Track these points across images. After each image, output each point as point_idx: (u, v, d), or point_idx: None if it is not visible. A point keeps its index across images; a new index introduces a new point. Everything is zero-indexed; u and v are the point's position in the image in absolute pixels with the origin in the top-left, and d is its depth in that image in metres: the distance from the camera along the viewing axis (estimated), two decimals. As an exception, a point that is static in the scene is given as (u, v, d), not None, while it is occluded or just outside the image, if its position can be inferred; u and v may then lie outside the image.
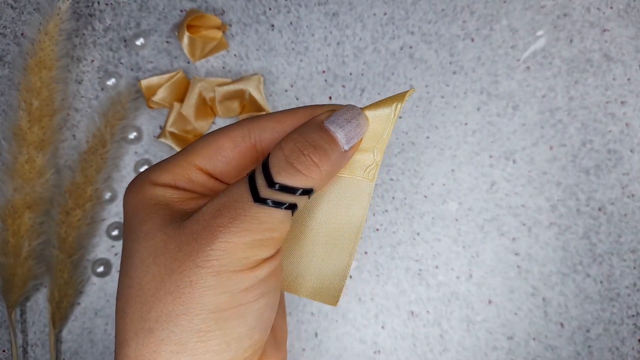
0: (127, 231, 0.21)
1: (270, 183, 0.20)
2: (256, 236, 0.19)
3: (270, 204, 0.20)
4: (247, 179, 0.20)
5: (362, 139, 0.22)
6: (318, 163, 0.20)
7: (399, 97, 0.22)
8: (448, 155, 0.40)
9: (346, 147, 0.21)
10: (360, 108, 0.22)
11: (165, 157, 0.40)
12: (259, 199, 0.20)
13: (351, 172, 0.23)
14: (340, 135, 0.21)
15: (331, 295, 0.24)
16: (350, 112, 0.22)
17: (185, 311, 0.19)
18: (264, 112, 0.39)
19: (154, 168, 0.22)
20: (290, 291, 0.25)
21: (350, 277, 0.39)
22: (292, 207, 0.20)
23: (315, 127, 0.21)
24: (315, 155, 0.20)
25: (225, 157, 0.22)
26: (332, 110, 0.22)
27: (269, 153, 0.21)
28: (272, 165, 0.20)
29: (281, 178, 0.20)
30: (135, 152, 0.40)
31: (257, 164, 0.21)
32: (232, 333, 0.20)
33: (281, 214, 0.20)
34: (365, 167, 0.23)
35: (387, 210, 0.40)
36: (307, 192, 0.20)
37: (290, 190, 0.20)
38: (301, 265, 0.24)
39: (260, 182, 0.20)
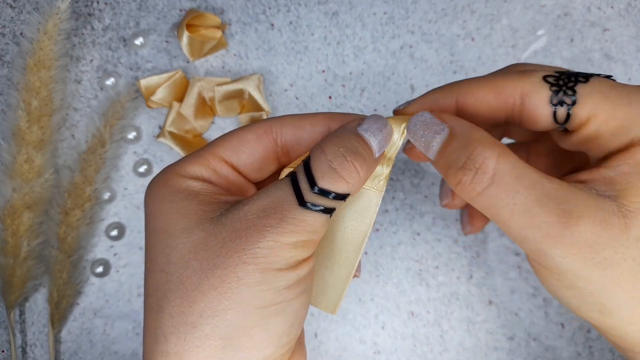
0: (156, 228, 0.22)
1: (313, 187, 0.20)
2: (300, 237, 0.20)
3: (314, 208, 0.20)
4: (289, 181, 0.21)
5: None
6: (359, 170, 0.21)
7: (406, 118, 0.23)
8: (448, 155, 0.40)
9: (377, 155, 0.22)
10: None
11: (165, 157, 0.40)
12: (303, 204, 0.20)
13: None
14: (374, 143, 0.22)
15: (331, 303, 0.25)
16: (380, 122, 0.22)
17: (232, 306, 0.19)
18: (263, 112, 0.39)
19: (178, 161, 0.23)
20: None
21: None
22: (331, 210, 0.21)
23: (352, 133, 0.22)
24: (357, 162, 0.21)
25: (249, 148, 0.23)
26: (362, 118, 0.23)
27: (309, 154, 0.21)
28: (316, 169, 0.21)
29: (324, 183, 0.20)
30: (135, 152, 0.40)
31: (298, 166, 0.21)
32: (275, 329, 0.20)
33: (323, 217, 0.21)
34: (374, 177, 0.24)
35: (387, 210, 0.40)
36: (345, 197, 0.21)
37: (331, 194, 0.21)
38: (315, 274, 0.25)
39: (304, 186, 0.21)
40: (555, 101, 0.21)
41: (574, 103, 0.20)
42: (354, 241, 0.24)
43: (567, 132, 0.22)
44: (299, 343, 0.24)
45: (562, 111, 0.21)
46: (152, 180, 0.23)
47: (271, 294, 0.20)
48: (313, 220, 0.20)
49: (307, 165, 0.21)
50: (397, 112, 0.24)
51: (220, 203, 0.21)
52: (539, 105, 0.21)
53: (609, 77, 0.21)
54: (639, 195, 0.19)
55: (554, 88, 0.21)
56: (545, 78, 0.21)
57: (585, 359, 0.38)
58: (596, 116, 0.20)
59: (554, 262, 0.20)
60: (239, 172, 0.23)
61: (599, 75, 0.21)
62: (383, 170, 0.23)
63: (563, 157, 0.27)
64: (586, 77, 0.21)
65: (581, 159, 0.25)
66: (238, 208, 0.21)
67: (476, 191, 0.20)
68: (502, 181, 0.20)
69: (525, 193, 0.19)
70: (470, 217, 0.32)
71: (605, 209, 0.19)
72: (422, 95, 0.24)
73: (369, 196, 0.24)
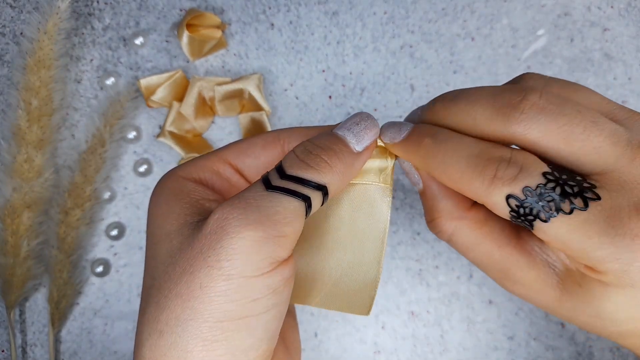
0: (149, 231, 0.21)
1: (282, 176, 0.20)
2: (268, 230, 0.18)
3: (282, 191, 0.19)
4: (261, 178, 0.21)
5: (375, 141, 0.23)
6: (328, 160, 0.21)
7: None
8: (448, 155, 0.39)
9: (358, 148, 0.22)
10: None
11: (165, 157, 0.40)
12: (270, 187, 0.19)
13: (368, 179, 0.24)
14: (349, 136, 0.22)
15: (362, 305, 0.24)
16: (358, 117, 0.22)
17: (193, 317, 0.18)
18: (263, 112, 0.39)
19: (185, 162, 0.23)
20: (319, 306, 0.24)
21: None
22: (305, 199, 0.20)
23: (324, 133, 0.22)
24: (324, 154, 0.21)
25: (255, 152, 0.23)
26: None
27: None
28: (284, 162, 0.21)
29: (293, 171, 0.20)
30: (135, 152, 0.40)
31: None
32: (239, 345, 0.19)
33: (294, 204, 0.19)
34: (380, 172, 0.24)
35: (387, 210, 0.40)
36: (320, 187, 0.20)
37: (303, 182, 0.20)
38: (331, 280, 0.24)
39: (273, 176, 0.20)
40: (513, 219, 0.20)
41: (532, 227, 0.20)
42: (373, 239, 0.24)
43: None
44: (289, 356, 0.24)
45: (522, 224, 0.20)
46: (157, 181, 0.23)
47: (235, 306, 0.18)
48: (281, 206, 0.19)
49: (278, 164, 0.21)
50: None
51: (205, 210, 0.21)
52: (499, 212, 0.20)
53: (585, 201, 0.19)
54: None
55: (513, 214, 0.19)
56: (507, 199, 0.19)
57: (585, 359, 0.38)
58: (552, 243, 0.20)
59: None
60: (243, 176, 0.23)
61: (572, 203, 0.19)
62: (387, 163, 0.23)
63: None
64: (548, 217, 0.19)
65: None
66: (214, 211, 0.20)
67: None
68: (457, 247, 0.24)
69: (474, 260, 0.24)
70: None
71: (542, 279, 0.22)
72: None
73: (378, 191, 0.24)
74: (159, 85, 0.39)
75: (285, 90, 0.40)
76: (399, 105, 0.40)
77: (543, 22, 0.40)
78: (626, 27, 0.40)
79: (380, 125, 0.23)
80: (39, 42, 0.36)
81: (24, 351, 0.38)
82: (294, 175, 0.20)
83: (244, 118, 0.39)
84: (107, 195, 0.39)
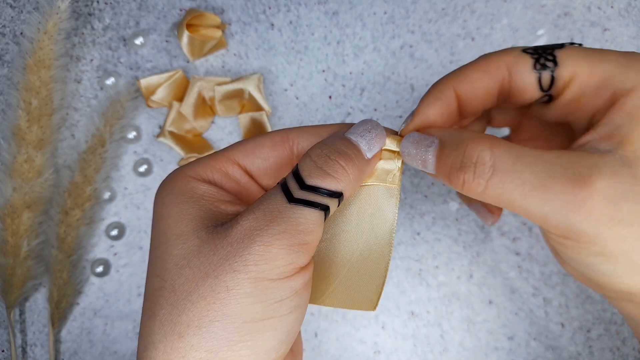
0: (158, 230, 0.21)
1: (302, 186, 0.20)
2: (293, 239, 0.19)
3: (304, 204, 0.20)
4: (279, 185, 0.21)
5: (382, 149, 0.23)
6: (345, 167, 0.21)
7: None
8: (448, 155, 0.39)
9: (369, 155, 0.22)
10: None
11: (165, 157, 0.40)
12: (293, 200, 0.20)
13: (377, 179, 0.24)
14: (362, 143, 0.22)
15: (369, 301, 0.24)
16: (369, 124, 0.23)
17: (219, 318, 0.19)
18: (263, 112, 0.39)
19: (191, 162, 0.23)
20: (325, 304, 0.25)
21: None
22: (325, 209, 0.21)
23: (337, 137, 0.22)
24: (342, 160, 0.21)
25: (264, 153, 0.23)
26: (352, 125, 0.23)
27: (297, 163, 0.22)
28: (302, 170, 0.21)
29: (312, 180, 0.20)
30: (135, 152, 0.40)
31: (288, 173, 0.22)
32: (263, 345, 0.20)
33: (315, 215, 0.20)
34: (388, 173, 0.24)
35: (387, 210, 0.40)
36: (337, 195, 0.21)
37: (322, 191, 0.20)
38: (337, 278, 0.24)
39: (293, 185, 0.20)
40: (538, 66, 0.22)
41: (555, 64, 0.22)
42: (381, 237, 0.24)
43: (551, 100, 0.23)
44: (292, 356, 0.24)
45: (546, 75, 0.22)
46: (163, 180, 0.23)
47: (261, 308, 0.19)
48: (304, 218, 0.20)
49: (295, 170, 0.21)
50: (402, 132, 0.25)
51: (219, 212, 0.21)
52: (524, 73, 0.22)
53: (580, 45, 0.23)
54: (636, 143, 0.19)
55: (535, 56, 0.22)
56: (524, 50, 0.22)
57: (585, 358, 0.38)
58: (577, 75, 0.21)
59: (579, 229, 0.19)
60: (252, 177, 0.23)
61: (571, 43, 0.23)
62: (395, 164, 0.24)
63: (550, 143, 0.28)
64: (561, 45, 0.22)
65: (567, 143, 0.25)
66: (234, 218, 0.20)
67: (482, 185, 0.20)
68: (503, 167, 0.20)
69: (530, 170, 0.19)
70: (488, 206, 0.31)
71: (611, 163, 0.19)
72: (421, 102, 0.24)
73: (386, 191, 0.24)
74: (159, 85, 0.39)
75: (285, 90, 0.40)
76: (399, 105, 0.40)
77: (543, 22, 0.40)
78: (626, 27, 0.40)
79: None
80: (39, 42, 0.36)
81: (24, 351, 0.38)
82: (313, 186, 0.20)
83: (244, 118, 0.39)
84: (107, 195, 0.39)
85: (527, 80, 0.22)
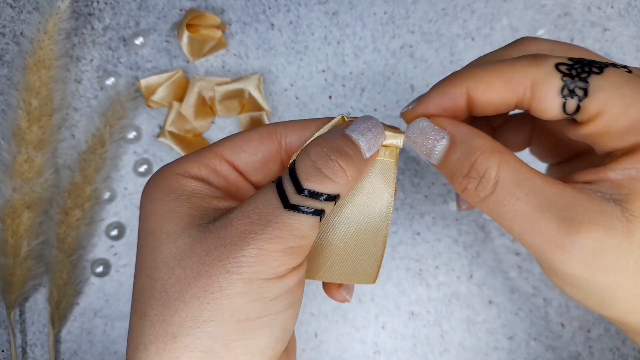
0: (146, 229, 0.21)
1: (299, 189, 0.20)
2: (287, 243, 0.19)
3: (300, 210, 0.20)
4: (274, 186, 0.20)
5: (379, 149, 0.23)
6: (345, 168, 0.20)
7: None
8: (448, 155, 0.39)
9: (367, 155, 0.22)
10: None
11: (165, 157, 0.40)
12: (289, 206, 0.20)
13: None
14: (362, 142, 0.21)
15: (368, 274, 0.24)
16: (370, 122, 0.22)
17: (214, 317, 0.19)
18: (263, 112, 0.39)
19: (178, 159, 0.22)
20: (323, 279, 0.24)
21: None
22: (320, 212, 0.20)
23: (338, 134, 0.22)
24: (342, 161, 0.20)
25: (251, 148, 0.22)
26: (351, 120, 0.23)
27: (294, 159, 0.21)
28: (300, 171, 0.20)
29: (309, 184, 0.20)
30: (135, 152, 0.40)
31: (284, 170, 0.21)
32: (259, 344, 0.19)
33: (311, 220, 0.20)
34: (385, 149, 0.23)
35: (387, 210, 0.40)
36: (334, 198, 0.20)
37: (319, 196, 0.20)
38: (334, 253, 0.24)
39: (289, 188, 0.20)
40: (565, 92, 0.20)
41: (585, 95, 0.20)
42: (378, 211, 0.23)
43: (575, 122, 0.21)
44: (287, 355, 0.24)
45: (572, 103, 0.20)
46: (149, 178, 0.22)
47: (256, 306, 0.19)
48: (300, 224, 0.20)
49: (292, 168, 0.20)
50: (403, 115, 0.24)
51: (211, 209, 0.21)
52: (549, 96, 0.20)
53: (625, 67, 0.20)
54: None
55: (566, 78, 0.20)
56: (557, 66, 0.20)
57: (585, 359, 0.38)
58: (607, 112, 0.19)
59: (558, 268, 0.20)
60: (240, 172, 0.23)
61: (615, 64, 0.20)
62: (396, 141, 0.23)
63: (566, 140, 0.27)
64: (600, 68, 0.20)
65: (584, 146, 0.25)
66: (225, 215, 0.20)
67: (480, 197, 0.20)
68: (503, 189, 0.20)
69: (526, 200, 0.19)
70: None
71: (609, 214, 0.19)
72: (429, 92, 0.23)
73: (383, 166, 0.23)
74: (159, 85, 0.39)
75: (285, 90, 0.40)
76: (399, 105, 0.40)
77: (543, 22, 0.40)
78: (626, 27, 0.40)
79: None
80: (39, 42, 0.36)
81: (24, 351, 0.38)
82: (310, 190, 0.20)
83: (244, 118, 0.39)
84: (107, 195, 0.39)
85: (551, 103, 0.20)
